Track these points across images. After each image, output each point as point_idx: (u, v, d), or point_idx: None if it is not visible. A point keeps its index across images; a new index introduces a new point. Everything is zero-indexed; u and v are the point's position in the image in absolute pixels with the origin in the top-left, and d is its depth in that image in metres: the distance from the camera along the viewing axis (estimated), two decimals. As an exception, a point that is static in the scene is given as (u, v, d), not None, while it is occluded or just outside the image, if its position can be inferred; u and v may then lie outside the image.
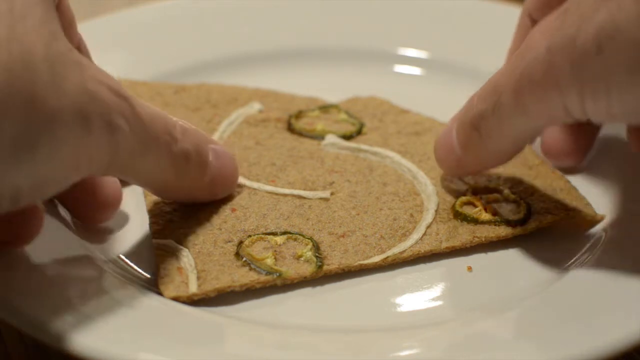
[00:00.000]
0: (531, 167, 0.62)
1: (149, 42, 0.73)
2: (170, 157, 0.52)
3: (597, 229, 0.58)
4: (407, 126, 0.65)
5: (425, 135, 0.64)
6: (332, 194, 0.59)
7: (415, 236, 0.57)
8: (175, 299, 0.52)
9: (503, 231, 0.57)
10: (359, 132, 0.65)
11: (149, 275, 0.55)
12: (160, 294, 0.52)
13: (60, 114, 0.46)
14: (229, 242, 0.56)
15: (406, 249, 0.56)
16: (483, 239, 0.57)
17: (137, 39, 0.72)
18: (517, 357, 0.48)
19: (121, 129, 0.48)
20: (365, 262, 0.55)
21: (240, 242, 0.56)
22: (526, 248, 0.58)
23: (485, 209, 0.59)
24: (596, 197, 0.60)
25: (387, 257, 0.56)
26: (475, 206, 0.59)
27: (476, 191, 0.60)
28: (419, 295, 0.54)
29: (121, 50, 0.72)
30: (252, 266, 0.54)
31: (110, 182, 0.56)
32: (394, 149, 0.63)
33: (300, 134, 0.64)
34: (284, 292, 0.54)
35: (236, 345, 0.51)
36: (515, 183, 0.61)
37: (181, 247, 0.55)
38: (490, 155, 0.58)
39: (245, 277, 0.54)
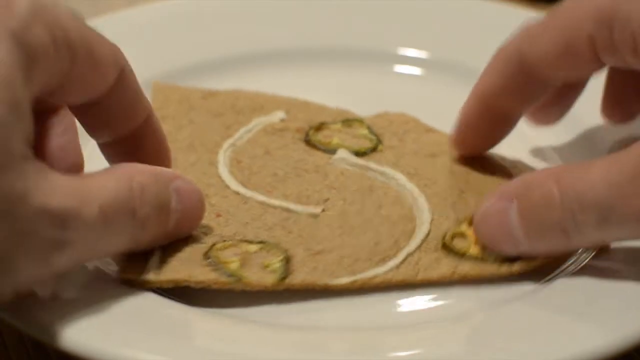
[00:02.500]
0: None
1: (149, 42, 0.73)
2: (130, 231, 0.50)
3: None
4: (426, 147, 0.64)
5: (441, 156, 0.62)
6: (322, 210, 0.58)
7: (392, 263, 0.55)
8: (129, 281, 0.51)
9: (487, 269, 0.54)
10: (374, 150, 0.63)
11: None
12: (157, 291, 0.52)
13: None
14: (202, 243, 0.54)
15: (378, 275, 0.54)
16: (462, 276, 0.54)
17: (137, 39, 0.72)
18: (516, 357, 0.48)
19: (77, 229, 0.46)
20: (332, 282, 0.53)
21: (213, 245, 0.54)
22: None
23: (477, 242, 0.55)
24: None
25: (356, 280, 0.53)
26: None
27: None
28: (418, 295, 0.54)
29: (121, 50, 0.72)
30: (216, 267, 0.53)
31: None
32: (404, 170, 0.61)
33: (314, 146, 0.63)
34: (284, 292, 0.54)
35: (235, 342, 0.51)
36: None
37: None
38: (568, 249, 0.54)
39: (203, 274, 0.52)
